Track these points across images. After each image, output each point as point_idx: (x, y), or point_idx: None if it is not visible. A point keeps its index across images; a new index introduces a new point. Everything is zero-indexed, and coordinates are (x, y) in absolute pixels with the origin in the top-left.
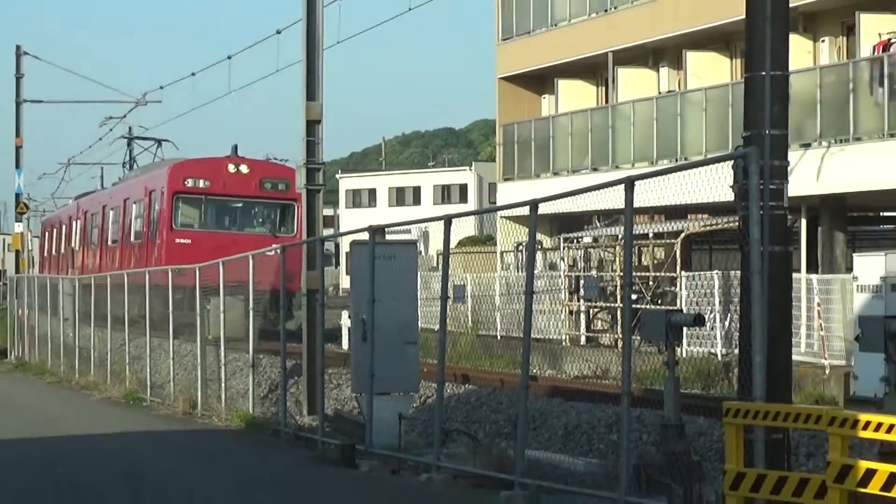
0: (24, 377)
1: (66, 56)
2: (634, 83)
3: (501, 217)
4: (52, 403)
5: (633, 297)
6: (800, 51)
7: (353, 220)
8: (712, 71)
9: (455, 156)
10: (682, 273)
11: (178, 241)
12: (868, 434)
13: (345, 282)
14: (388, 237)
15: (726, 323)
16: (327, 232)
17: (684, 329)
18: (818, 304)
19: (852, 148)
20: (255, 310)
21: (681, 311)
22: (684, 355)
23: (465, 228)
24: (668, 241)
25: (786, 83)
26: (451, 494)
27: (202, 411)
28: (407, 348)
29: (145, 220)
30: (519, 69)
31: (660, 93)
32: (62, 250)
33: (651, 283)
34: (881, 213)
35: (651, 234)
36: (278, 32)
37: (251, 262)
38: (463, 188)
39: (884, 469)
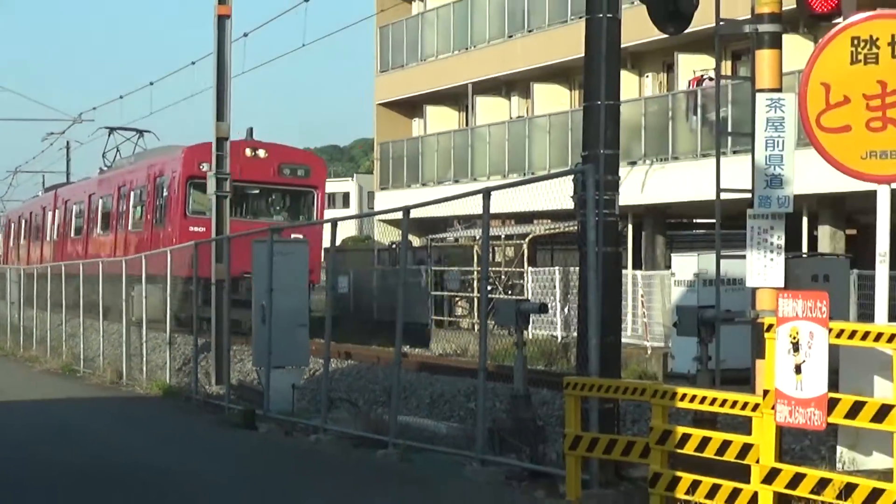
0: None
1: (7, 74)
2: (490, 109)
3: (378, 220)
4: None
5: (489, 288)
6: (629, 84)
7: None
8: (555, 100)
9: (340, 168)
10: (529, 269)
11: (191, 228)
12: (684, 405)
13: None
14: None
15: (565, 311)
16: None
17: (531, 315)
18: (642, 296)
19: (671, 166)
20: (172, 296)
21: (528, 300)
22: (531, 337)
23: (348, 229)
24: (517, 241)
25: (617, 111)
26: (336, 453)
27: (127, 381)
28: (299, 329)
29: (148, 207)
30: (394, 96)
31: (511, 118)
32: (31, 241)
33: (503, 276)
34: (694, 220)
35: (503, 236)
36: (193, 63)
37: (169, 256)
38: (346, 196)
39: (697, 433)
